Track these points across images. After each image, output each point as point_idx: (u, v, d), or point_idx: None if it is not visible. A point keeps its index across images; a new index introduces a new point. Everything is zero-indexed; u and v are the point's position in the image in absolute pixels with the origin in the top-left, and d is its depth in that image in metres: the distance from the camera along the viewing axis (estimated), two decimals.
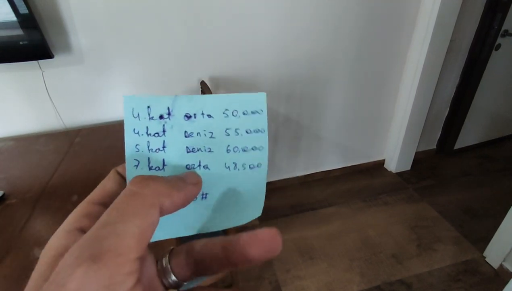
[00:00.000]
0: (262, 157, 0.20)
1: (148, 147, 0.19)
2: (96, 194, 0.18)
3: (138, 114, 0.18)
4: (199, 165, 0.19)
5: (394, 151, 1.97)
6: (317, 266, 1.42)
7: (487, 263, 1.40)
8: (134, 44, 1.27)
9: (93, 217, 0.16)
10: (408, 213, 1.69)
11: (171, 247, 0.19)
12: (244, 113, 0.19)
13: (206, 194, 0.20)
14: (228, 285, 1.29)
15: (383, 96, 1.81)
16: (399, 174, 2.00)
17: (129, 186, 0.15)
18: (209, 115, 0.19)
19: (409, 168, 2.03)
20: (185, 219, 0.19)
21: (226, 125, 0.19)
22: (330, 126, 1.80)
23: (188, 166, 0.19)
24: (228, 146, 0.19)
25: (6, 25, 1.02)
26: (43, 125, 1.32)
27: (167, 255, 0.19)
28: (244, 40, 1.38)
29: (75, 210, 0.17)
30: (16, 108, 1.26)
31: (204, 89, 1.30)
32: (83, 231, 0.16)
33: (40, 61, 1.18)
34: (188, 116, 0.19)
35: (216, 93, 1.43)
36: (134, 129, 0.18)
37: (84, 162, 1.03)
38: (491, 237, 1.38)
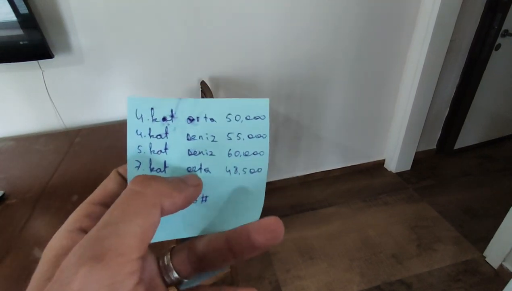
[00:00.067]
0: (262, 161, 0.20)
1: (150, 148, 0.19)
2: (97, 194, 0.18)
3: (141, 116, 0.18)
4: (200, 168, 0.19)
5: (394, 151, 1.97)
6: (317, 266, 1.42)
7: (487, 263, 1.40)
8: (134, 44, 1.27)
9: (94, 217, 0.16)
10: (408, 213, 1.69)
11: (172, 246, 0.20)
12: (246, 118, 0.19)
13: (206, 197, 0.20)
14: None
15: (383, 96, 1.81)
16: (399, 174, 2.00)
17: (131, 185, 0.15)
18: (212, 119, 0.19)
19: (409, 168, 2.03)
20: (185, 221, 0.20)
21: (228, 130, 0.19)
22: (330, 126, 1.80)
23: (189, 169, 0.19)
24: (230, 150, 0.20)
25: (6, 25, 1.02)
26: (43, 125, 1.32)
27: (169, 253, 0.19)
28: (244, 40, 1.38)
29: (76, 210, 0.17)
30: (16, 108, 1.26)
31: (204, 89, 1.30)
32: (84, 231, 0.16)
33: (40, 61, 1.18)
34: (191, 119, 0.19)
35: (216, 94, 1.43)
36: (136, 131, 0.18)
37: (84, 162, 1.03)
38: (491, 237, 1.38)
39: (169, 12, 1.23)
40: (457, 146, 2.13)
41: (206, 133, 0.19)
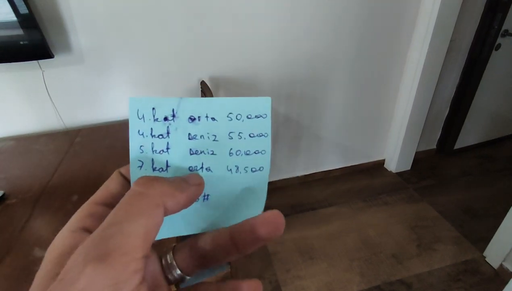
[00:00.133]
0: (264, 160, 0.20)
1: (152, 148, 0.19)
2: (99, 194, 0.18)
3: (143, 116, 0.19)
4: (202, 167, 0.19)
5: (394, 151, 1.97)
6: (317, 266, 1.42)
7: (487, 263, 1.40)
8: (134, 44, 1.27)
9: (97, 217, 0.17)
10: (408, 213, 1.69)
11: (173, 244, 0.20)
12: (248, 117, 0.19)
13: (207, 196, 0.20)
14: None
15: (383, 96, 1.81)
16: (399, 174, 2.00)
17: (134, 186, 0.16)
18: (213, 119, 0.19)
19: (409, 168, 2.04)
20: (187, 219, 0.20)
21: (229, 129, 0.19)
22: (330, 126, 1.80)
23: (191, 168, 0.19)
24: (231, 149, 0.20)
25: (6, 25, 1.02)
26: (43, 125, 1.32)
27: (171, 251, 0.19)
28: (244, 40, 1.38)
29: (79, 210, 0.17)
30: (16, 108, 1.26)
31: (204, 89, 1.30)
32: (87, 230, 0.16)
33: (40, 61, 1.18)
34: (192, 119, 0.19)
35: (216, 94, 1.43)
36: (138, 131, 0.19)
37: (84, 162, 1.03)
38: (491, 237, 1.38)
39: (169, 12, 1.23)
40: (457, 146, 2.13)
41: (208, 133, 0.19)
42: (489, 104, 2.03)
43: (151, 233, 0.14)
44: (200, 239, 0.19)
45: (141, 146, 0.19)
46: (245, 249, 0.18)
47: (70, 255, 0.14)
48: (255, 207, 0.20)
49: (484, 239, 1.44)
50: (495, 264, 1.37)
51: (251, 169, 0.20)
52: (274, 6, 1.34)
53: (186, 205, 0.17)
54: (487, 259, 1.40)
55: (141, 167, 0.19)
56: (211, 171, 0.20)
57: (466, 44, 1.78)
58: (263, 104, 0.19)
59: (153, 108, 0.18)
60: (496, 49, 1.77)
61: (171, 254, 0.19)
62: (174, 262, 0.19)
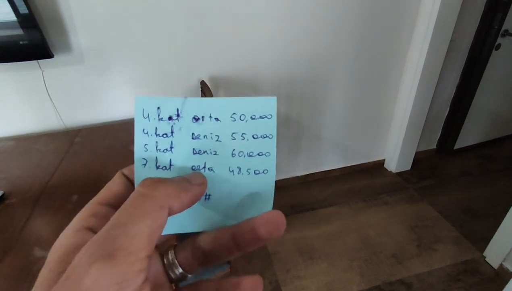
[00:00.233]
0: (269, 163, 0.20)
1: (156, 147, 0.19)
2: (102, 195, 0.19)
3: (148, 115, 0.19)
4: (204, 167, 0.19)
5: (394, 151, 1.97)
6: (317, 266, 1.42)
7: (487, 263, 1.40)
8: (134, 44, 1.27)
9: (100, 217, 0.17)
10: (408, 213, 1.69)
11: (175, 243, 0.20)
12: (252, 118, 0.19)
13: (209, 195, 0.20)
14: None
15: (383, 96, 1.81)
16: (399, 174, 2.00)
17: (139, 188, 0.16)
18: (216, 119, 0.19)
19: (409, 168, 2.03)
20: (188, 217, 0.20)
21: (232, 129, 0.19)
22: (330, 126, 1.80)
23: (193, 167, 0.19)
24: (234, 150, 0.19)
25: (6, 25, 1.02)
26: (43, 125, 1.32)
27: (173, 250, 0.20)
28: (244, 40, 1.38)
29: (82, 210, 0.18)
30: (16, 108, 1.26)
31: (204, 89, 1.30)
32: (90, 230, 0.16)
33: (40, 61, 1.18)
34: (196, 119, 0.19)
35: (216, 93, 1.43)
36: (143, 130, 0.19)
37: (84, 162, 1.03)
38: (491, 237, 1.38)
39: (169, 12, 1.23)
40: (457, 145, 2.13)
41: (211, 133, 0.19)
42: (489, 104, 2.03)
43: (155, 233, 0.15)
44: (201, 238, 0.19)
45: (145, 145, 0.19)
46: (246, 248, 0.18)
47: (74, 254, 0.14)
48: (260, 212, 0.20)
49: (484, 239, 1.44)
50: (495, 264, 1.37)
51: (254, 171, 0.20)
52: (274, 6, 1.34)
53: (190, 205, 0.17)
54: (487, 259, 1.40)
55: (145, 165, 0.19)
56: (214, 171, 0.20)
57: (466, 44, 1.78)
58: (268, 104, 0.19)
59: (158, 108, 0.19)
60: (496, 49, 1.77)
61: (173, 252, 0.19)
62: (175, 261, 0.19)
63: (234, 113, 0.19)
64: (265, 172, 0.20)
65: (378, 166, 2.08)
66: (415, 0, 1.53)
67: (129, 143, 1.10)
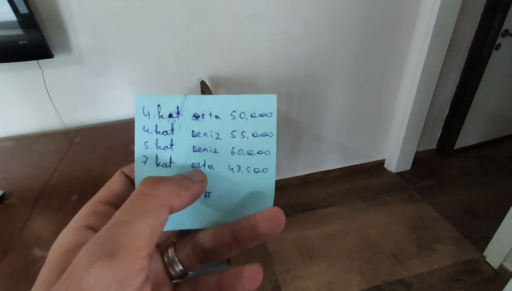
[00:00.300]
0: (269, 161, 0.20)
1: (157, 144, 0.19)
2: (103, 193, 0.19)
3: (149, 113, 0.19)
4: (204, 164, 0.20)
5: (394, 151, 1.97)
6: (317, 266, 1.42)
7: (487, 263, 1.40)
8: (134, 44, 1.27)
9: (101, 216, 0.17)
10: (408, 213, 1.69)
11: (175, 240, 0.20)
12: (252, 116, 0.19)
13: (209, 193, 0.20)
14: None
15: (383, 96, 1.81)
16: (399, 174, 2.00)
17: (140, 187, 0.16)
18: (216, 116, 0.19)
19: (409, 168, 2.03)
20: (188, 214, 0.20)
21: (232, 127, 0.19)
22: (330, 126, 1.80)
23: (193, 165, 0.19)
24: (233, 148, 0.19)
25: (6, 25, 1.02)
26: (43, 125, 1.32)
27: (173, 247, 0.20)
28: (244, 39, 1.38)
29: (82, 209, 0.18)
30: (16, 108, 1.26)
31: (204, 89, 1.30)
32: (91, 228, 0.16)
33: (40, 61, 1.18)
34: (196, 116, 0.19)
35: (216, 93, 1.43)
36: (144, 127, 0.19)
37: (83, 162, 1.03)
38: (491, 237, 1.38)
39: (169, 12, 1.23)
40: (457, 145, 2.13)
41: (211, 131, 0.19)
42: (489, 104, 2.03)
43: (156, 232, 0.15)
44: (201, 235, 0.20)
45: (145, 142, 0.19)
46: (246, 244, 0.18)
47: (74, 252, 0.14)
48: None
49: (484, 239, 1.44)
50: (495, 264, 1.37)
51: (254, 169, 0.20)
52: (274, 6, 1.34)
53: (190, 203, 0.17)
54: (487, 259, 1.40)
55: (145, 162, 0.19)
56: (213, 169, 0.20)
57: (466, 44, 1.78)
58: (268, 102, 0.19)
59: (158, 105, 0.19)
60: (496, 49, 1.77)
61: (173, 250, 0.19)
62: (176, 258, 0.19)
63: (234, 111, 0.19)
64: (265, 170, 0.20)
65: (378, 166, 2.08)
66: (415, 0, 1.53)
67: (129, 143, 1.10)
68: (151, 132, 0.19)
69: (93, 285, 0.12)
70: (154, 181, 0.16)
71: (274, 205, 0.19)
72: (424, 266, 1.40)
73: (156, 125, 0.19)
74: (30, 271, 0.64)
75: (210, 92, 1.26)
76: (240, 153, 0.19)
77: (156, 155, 0.19)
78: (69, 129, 1.33)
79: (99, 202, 0.18)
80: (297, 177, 1.93)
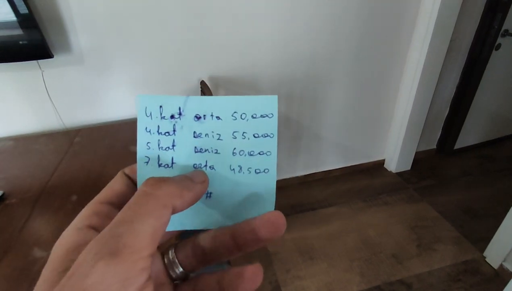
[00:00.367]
0: (270, 162, 0.20)
1: (159, 145, 0.19)
2: (104, 194, 0.19)
3: (151, 113, 0.19)
4: (206, 165, 0.20)
5: (394, 151, 1.97)
6: (317, 266, 1.42)
7: (487, 263, 1.39)
8: (134, 44, 1.26)
9: (102, 216, 0.17)
10: (408, 213, 1.69)
11: (176, 241, 0.20)
12: (253, 117, 0.19)
13: (210, 193, 0.20)
14: None
15: (383, 96, 1.81)
16: (399, 174, 2.00)
17: (143, 187, 0.16)
18: (218, 117, 0.19)
19: (409, 168, 2.03)
20: (189, 215, 0.20)
21: (233, 128, 0.19)
22: (330, 126, 1.80)
23: (195, 165, 0.20)
24: (234, 149, 0.19)
25: (6, 25, 1.02)
26: (43, 125, 1.32)
27: (173, 249, 0.20)
28: (244, 39, 1.38)
29: (84, 209, 0.18)
30: (15, 108, 1.26)
31: (204, 89, 1.30)
32: (93, 228, 0.17)
33: (39, 61, 1.18)
34: (198, 117, 0.19)
35: (216, 93, 1.43)
36: (146, 128, 0.19)
37: (83, 162, 1.03)
38: (491, 237, 1.38)
39: (169, 12, 1.23)
40: (457, 146, 2.13)
41: (212, 132, 0.19)
42: (489, 104, 2.03)
43: (158, 232, 0.15)
44: (202, 237, 0.20)
45: (148, 143, 0.19)
46: (246, 248, 0.19)
47: (76, 252, 0.14)
48: (262, 212, 0.20)
49: (484, 239, 1.44)
50: (495, 264, 1.37)
51: (255, 170, 0.20)
52: (274, 6, 1.34)
53: (192, 203, 0.18)
54: (487, 259, 1.40)
55: (147, 162, 0.19)
56: (215, 170, 0.20)
57: (466, 44, 1.78)
58: (269, 103, 0.19)
59: (161, 106, 0.19)
60: (496, 49, 1.77)
61: (173, 251, 0.19)
62: (176, 259, 0.19)
63: (235, 112, 0.19)
64: (266, 171, 0.20)
65: (378, 166, 2.08)
66: (415, 0, 1.53)
67: (129, 144, 1.10)
68: (153, 133, 0.19)
69: (96, 284, 0.12)
70: (157, 182, 0.16)
71: (275, 206, 0.19)
72: (424, 266, 1.40)
73: (158, 126, 0.19)
74: (30, 271, 0.64)
75: (210, 92, 1.26)
76: (241, 153, 0.20)
77: (158, 156, 0.19)
78: (69, 129, 1.33)
79: (101, 202, 0.18)
80: (297, 177, 1.93)
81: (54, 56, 1.15)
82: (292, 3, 1.35)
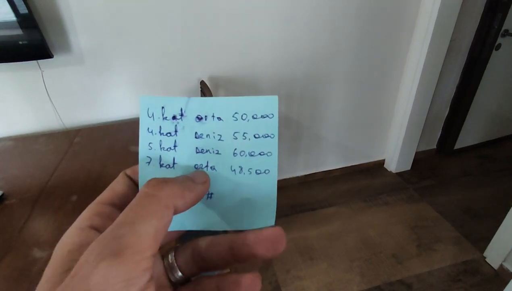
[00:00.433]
0: (270, 162, 0.20)
1: (160, 145, 0.19)
2: (106, 195, 0.19)
3: (153, 114, 0.19)
4: (207, 166, 0.20)
5: (394, 151, 1.97)
6: (317, 266, 1.42)
7: (487, 263, 1.39)
8: (134, 44, 1.26)
9: (104, 216, 0.17)
10: (408, 213, 1.69)
11: (176, 245, 0.20)
12: (253, 117, 0.19)
13: (211, 194, 0.20)
14: None
15: (383, 96, 1.81)
16: (399, 174, 2.00)
17: (145, 188, 0.16)
18: (219, 118, 0.19)
19: (409, 168, 2.03)
20: (189, 216, 0.20)
21: (234, 129, 0.19)
22: (330, 126, 1.80)
23: (196, 166, 0.20)
24: (235, 149, 0.20)
25: (5, 25, 1.02)
26: (43, 125, 1.32)
27: (173, 252, 0.20)
28: (244, 39, 1.38)
29: (86, 210, 0.18)
30: (15, 108, 1.26)
31: (204, 89, 1.30)
32: (95, 228, 0.17)
33: (39, 61, 1.18)
34: (199, 118, 0.19)
35: (216, 93, 1.43)
36: (148, 128, 0.19)
37: (83, 162, 1.03)
38: (491, 237, 1.38)
39: (169, 12, 1.23)
40: (457, 146, 2.13)
41: (213, 132, 0.19)
42: (489, 104, 2.03)
43: (160, 233, 0.15)
44: (202, 243, 0.20)
45: (150, 143, 0.19)
46: (243, 261, 0.19)
47: (78, 252, 0.14)
48: (265, 213, 0.20)
49: (484, 239, 1.44)
50: (495, 264, 1.37)
51: (256, 170, 0.20)
52: (274, 6, 1.34)
53: (194, 204, 0.18)
54: (487, 259, 1.40)
55: (149, 163, 0.19)
56: (216, 170, 0.20)
57: (466, 44, 1.78)
58: (269, 103, 0.19)
59: (163, 107, 0.19)
60: (496, 49, 1.77)
61: (173, 255, 0.19)
62: (175, 264, 0.19)
63: (236, 113, 0.19)
64: (267, 171, 0.20)
65: (378, 166, 2.07)
66: (415, 0, 1.53)
67: (129, 144, 1.10)
68: (155, 133, 0.19)
69: (99, 284, 0.12)
70: (159, 182, 0.16)
71: (275, 206, 0.19)
72: (424, 266, 1.40)
73: (160, 126, 0.19)
74: (30, 271, 0.64)
75: (210, 92, 1.26)
76: (242, 154, 0.20)
77: (160, 156, 0.19)
78: (69, 129, 1.33)
79: (103, 203, 0.18)
80: (297, 177, 1.93)
81: (54, 56, 1.15)
82: (292, 3, 1.35)
